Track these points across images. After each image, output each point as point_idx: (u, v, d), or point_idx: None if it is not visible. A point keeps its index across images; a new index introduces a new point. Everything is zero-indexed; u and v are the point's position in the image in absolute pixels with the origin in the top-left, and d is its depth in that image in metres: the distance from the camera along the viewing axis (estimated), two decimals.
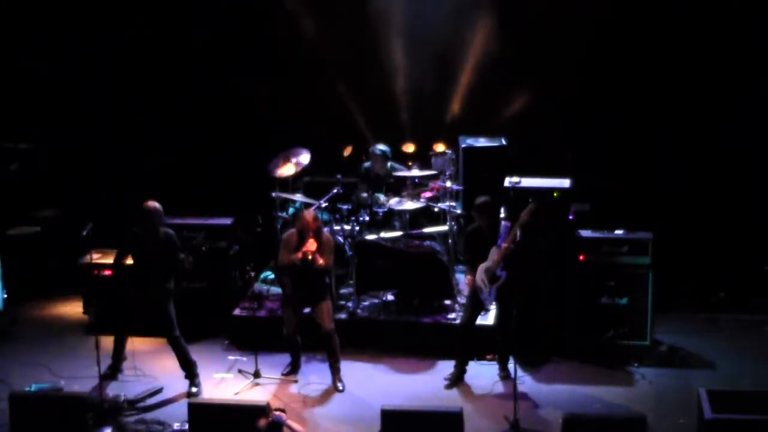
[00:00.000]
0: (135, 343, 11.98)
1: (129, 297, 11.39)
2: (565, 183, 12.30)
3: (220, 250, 12.82)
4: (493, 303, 11.68)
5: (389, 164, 13.10)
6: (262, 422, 9.19)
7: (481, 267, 11.35)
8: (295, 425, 9.51)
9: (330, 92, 14.07)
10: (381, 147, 13.08)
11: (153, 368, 11.91)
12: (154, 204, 11.28)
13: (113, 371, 11.64)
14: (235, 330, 12.49)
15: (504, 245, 11.15)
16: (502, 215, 11.73)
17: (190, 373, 11.46)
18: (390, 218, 12.83)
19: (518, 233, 11.15)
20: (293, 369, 11.80)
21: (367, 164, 13.21)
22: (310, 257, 11.23)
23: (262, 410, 9.61)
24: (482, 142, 13.52)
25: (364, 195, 12.84)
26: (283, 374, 11.72)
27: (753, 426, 9.52)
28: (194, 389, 11.42)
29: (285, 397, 11.28)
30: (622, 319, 12.05)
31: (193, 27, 14.25)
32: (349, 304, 12.56)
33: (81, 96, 14.47)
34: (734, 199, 13.47)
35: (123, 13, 14.16)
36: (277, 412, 9.39)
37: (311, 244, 11.23)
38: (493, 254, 11.28)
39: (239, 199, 13.86)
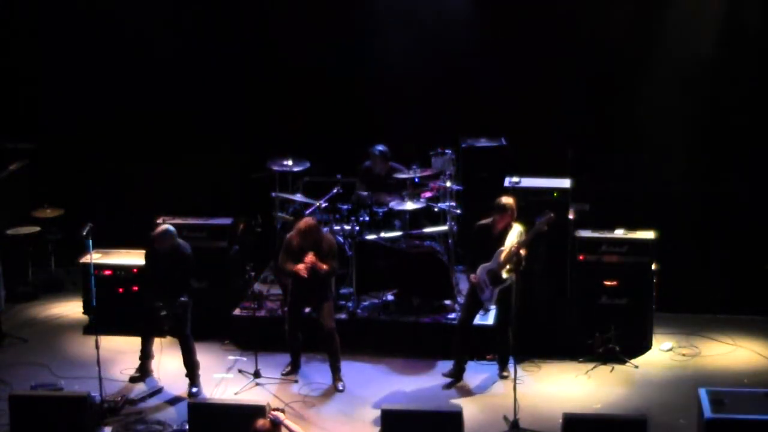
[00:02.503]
0: (135, 343, 12.03)
1: (151, 305, 11.42)
2: (565, 183, 12.31)
3: (220, 250, 12.82)
4: (493, 304, 11.67)
5: (389, 164, 13.07)
6: (260, 422, 9.18)
7: (484, 267, 11.32)
8: (292, 425, 9.50)
9: (328, 92, 14.07)
10: (380, 147, 13.05)
11: (153, 368, 11.89)
12: (161, 229, 11.41)
13: (142, 373, 11.71)
14: (235, 330, 12.49)
15: (514, 248, 11.12)
16: None
17: (192, 373, 11.48)
18: (390, 218, 12.82)
19: (530, 240, 11.16)
20: (293, 369, 11.80)
21: (367, 164, 13.19)
22: (306, 273, 11.27)
23: (261, 410, 9.60)
24: (482, 142, 13.51)
25: (364, 194, 12.83)
26: (283, 374, 11.72)
27: (753, 426, 9.53)
28: (194, 389, 11.45)
29: (285, 397, 11.28)
30: (622, 319, 12.05)
31: (193, 27, 14.28)
32: (349, 304, 12.55)
33: (81, 95, 14.46)
34: (734, 198, 13.46)
35: (122, 10, 14.18)
36: (275, 412, 9.39)
37: (309, 258, 11.25)
38: (499, 256, 11.26)
39: (239, 199, 13.85)
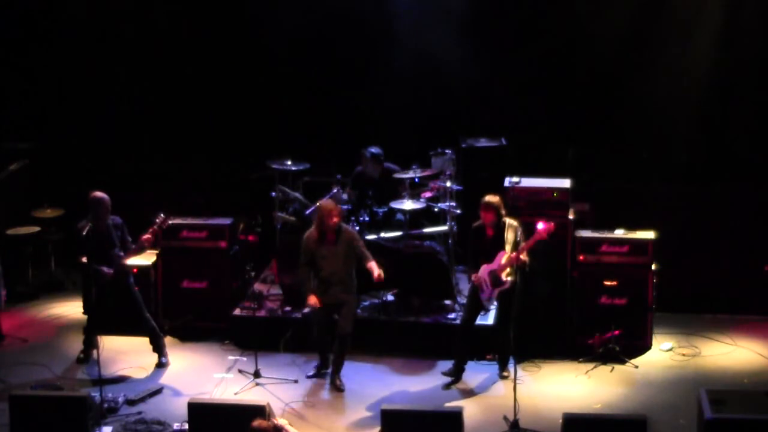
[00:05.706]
0: (135, 343, 12.05)
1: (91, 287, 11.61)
2: (565, 183, 12.31)
3: (220, 250, 12.81)
4: (494, 304, 11.67)
5: (384, 166, 13.00)
6: (257, 423, 9.15)
7: (485, 267, 11.33)
8: (290, 428, 9.47)
9: (328, 92, 14.07)
10: (372, 149, 12.96)
11: (153, 368, 11.91)
12: (101, 194, 11.50)
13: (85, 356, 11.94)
14: (235, 330, 12.49)
15: (515, 255, 11.12)
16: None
17: (158, 345, 11.86)
18: (390, 218, 12.81)
19: (530, 246, 11.15)
20: (322, 368, 11.72)
21: (359, 168, 13.13)
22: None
23: (261, 410, 9.59)
24: (482, 142, 13.50)
25: (343, 196, 12.77)
26: (309, 376, 11.67)
27: (753, 426, 9.53)
28: (164, 359, 11.81)
29: (285, 397, 11.26)
30: (622, 319, 12.04)
31: (194, 27, 14.29)
32: None
33: (81, 95, 14.47)
34: (734, 198, 13.45)
35: (122, 10, 14.18)
36: (280, 421, 9.34)
37: (314, 302, 11.37)
38: (500, 258, 11.25)
39: (239, 199, 13.85)
